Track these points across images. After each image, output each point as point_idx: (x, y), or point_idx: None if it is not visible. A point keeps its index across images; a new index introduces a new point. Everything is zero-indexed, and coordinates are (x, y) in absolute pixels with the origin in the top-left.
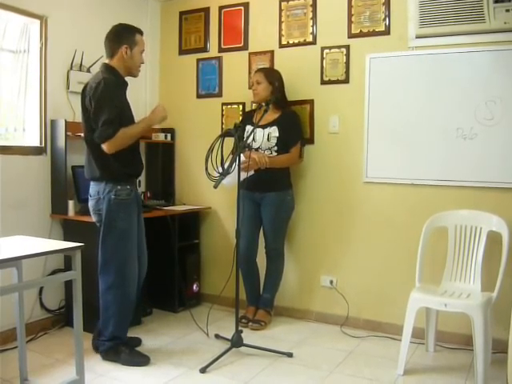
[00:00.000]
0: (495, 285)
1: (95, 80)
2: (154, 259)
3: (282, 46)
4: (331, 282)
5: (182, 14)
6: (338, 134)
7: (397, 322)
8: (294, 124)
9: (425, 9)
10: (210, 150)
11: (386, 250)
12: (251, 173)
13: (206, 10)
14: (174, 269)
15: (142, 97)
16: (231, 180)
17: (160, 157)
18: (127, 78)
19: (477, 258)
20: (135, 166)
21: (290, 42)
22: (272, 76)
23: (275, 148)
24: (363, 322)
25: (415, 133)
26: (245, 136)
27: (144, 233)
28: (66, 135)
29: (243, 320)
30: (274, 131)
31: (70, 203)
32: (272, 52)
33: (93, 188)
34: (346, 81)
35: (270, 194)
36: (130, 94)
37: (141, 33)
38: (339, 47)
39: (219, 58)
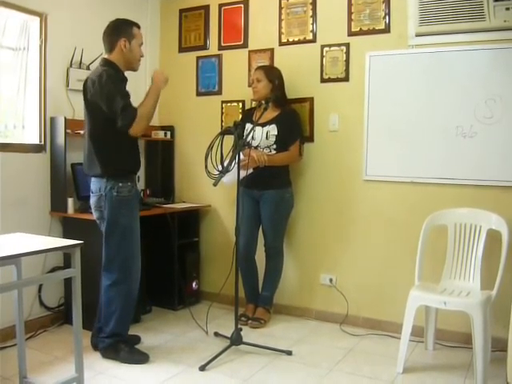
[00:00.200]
0: (495, 283)
1: (96, 73)
2: (153, 257)
3: (281, 43)
4: (331, 280)
5: (181, 11)
6: (338, 132)
7: (396, 320)
8: (293, 122)
9: (425, 7)
10: (210, 147)
11: (386, 248)
12: (250, 171)
13: (206, 8)
14: (173, 267)
15: (141, 94)
16: (231, 178)
17: (160, 154)
18: (127, 74)
19: (476, 256)
20: (135, 162)
21: (290, 39)
22: (272, 74)
23: (274, 146)
24: (363, 320)
25: (415, 131)
26: (244, 134)
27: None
28: (66, 132)
29: (242, 318)
30: (273, 129)
31: (70, 201)
32: (272, 50)
33: (94, 185)
34: (346, 79)
35: (269, 191)
36: (130, 89)
37: (138, 26)
38: (339, 45)
39: (219, 56)
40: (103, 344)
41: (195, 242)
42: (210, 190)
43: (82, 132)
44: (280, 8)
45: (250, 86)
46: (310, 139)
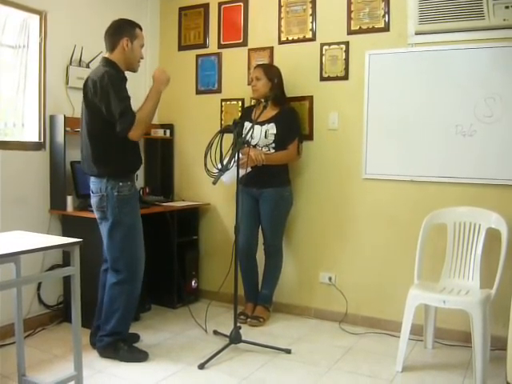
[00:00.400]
0: (494, 282)
1: (97, 74)
2: (152, 255)
3: (281, 42)
4: (330, 278)
5: (181, 9)
6: (338, 131)
7: (395, 319)
8: (292, 121)
9: (424, 6)
10: (209, 146)
11: (385, 247)
12: (248, 170)
13: (206, 6)
14: (172, 265)
15: (141, 93)
16: (230, 177)
17: (159, 153)
18: (126, 74)
19: (476, 255)
20: (136, 161)
21: (290, 38)
22: (271, 72)
23: (273, 145)
24: (362, 318)
25: (414, 129)
26: (243, 132)
27: None
28: (65, 130)
29: (242, 316)
30: (272, 128)
31: (69, 199)
32: (271, 48)
33: (94, 185)
34: (346, 77)
35: (269, 189)
36: (130, 90)
37: (140, 28)
38: (338, 44)
39: (218, 54)
40: (102, 343)
41: (194, 241)
42: (210, 188)
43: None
44: (280, 6)
45: (249, 84)
46: (310, 138)
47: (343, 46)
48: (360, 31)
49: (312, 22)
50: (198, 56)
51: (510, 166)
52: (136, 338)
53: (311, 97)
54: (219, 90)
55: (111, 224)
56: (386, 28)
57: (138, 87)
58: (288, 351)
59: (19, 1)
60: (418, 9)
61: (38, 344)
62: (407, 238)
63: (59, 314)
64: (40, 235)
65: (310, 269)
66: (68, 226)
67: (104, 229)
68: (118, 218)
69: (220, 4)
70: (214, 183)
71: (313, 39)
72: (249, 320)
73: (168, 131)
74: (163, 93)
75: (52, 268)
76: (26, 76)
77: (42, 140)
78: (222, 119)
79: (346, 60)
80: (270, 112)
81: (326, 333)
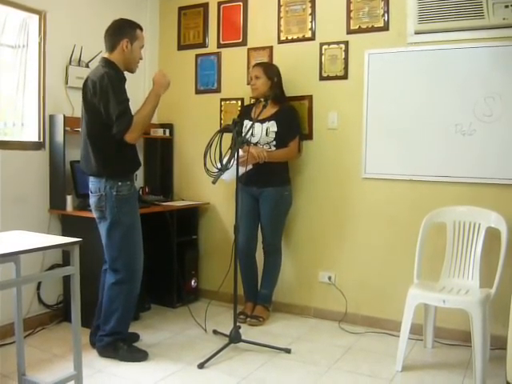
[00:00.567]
0: (494, 281)
1: (96, 74)
2: (152, 255)
3: (280, 41)
4: (329, 277)
5: (180, 9)
6: (337, 130)
7: (395, 318)
8: (293, 118)
9: (424, 5)
10: (209, 145)
11: (385, 246)
12: (249, 167)
13: (205, 6)
14: (172, 264)
15: (140, 92)
16: (231, 175)
17: (158, 152)
18: (125, 74)
19: (475, 255)
20: (134, 162)
21: (289, 37)
22: (271, 71)
23: (274, 143)
24: (361, 318)
25: (414, 129)
26: (243, 131)
27: None
28: (65, 130)
29: (241, 316)
30: (273, 126)
31: (69, 198)
32: (271, 48)
33: (93, 184)
34: (345, 77)
35: (269, 189)
36: (129, 90)
37: (141, 29)
38: (338, 43)
39: (218, 54)
40: (101, 342)
41: (194, 240)
42: (209, 187)
43: (80, 129)
44: (279, 6)
45: (248, 83)
46: (309, 137)
47: (343, 46)
48: (359, 30)
49: (311, 22)
50: (197, 55)
51: (509, 166)
52: (136, 337)
53: (311, 96)
54: (219, 90)
55: (110, 224)
56: (386, 27)
57: (137, 87)
58: (288, 351)
59: (19, 0)
60: (417, 8)
61: (38, 343)
62: (407, 238)
63: (59, 313)
64: (40, 235)
65: (309, 268)
66: (68, 225)
67: (103, 228)
68: (116, 218)
69: (219, 3)
70: (214, 183)
71: (312, 39)
72: (248, 319)
73: (168, 131)
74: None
75: (52, 268)
76: (26, 76)
77: (42, 140)
78: (221, 119)
79: (346, 59)
80: (270, 110)
81: (325, 332)
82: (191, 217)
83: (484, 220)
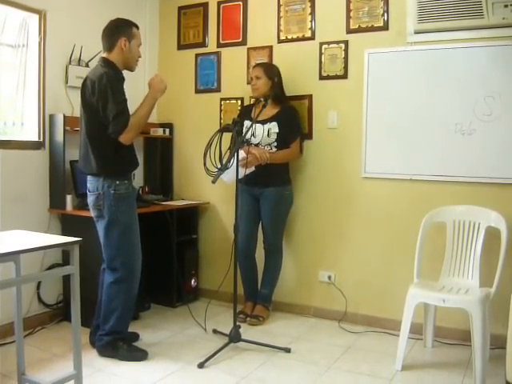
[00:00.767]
0: (493, 280)
1: (95, 74)
2: (152, 254)
3: (280, 41)
4: (329, 277)
5: (180, 8)
6: (337, 130)
7: (395, 318)
8: (294, 119)
9: (423, 4)
10: (209, 145)
11: (385, 246)
12: (251, 169)
13: (205, 5)
14: (172, 264)
15: (140, 92)
16: (231, 176)
17: (158, 152)
18: (124, 73)
19: (475, 254)
20: (132, 161)
21: (289, 37)
22: (271, 71)
23: (275, 144)
24: (361, 317)
25: (414, 128)
26: (243, 131)
27: None
28: (65, 130)
29: (241, 315)
30: (274, 127)
31: (68, 198)
32: (271, 47)
33: (91, 183)
34: (345, 76)
35: (269, 189)
36: (129, 89)
37: (137, 27)
38: (338, 42)
39: (218, 53)
40: (101, 342)
41: (194, 240)
42: (209, 187)
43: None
44: (279, 5)
45: (248, 83)
46: (309, 136)
47: (342, 45)
48: (359, 30)
49: (311, 21)
50: (197, 55)
51: (509, 165)
52: (135, 336)
53: (310, 96)
54: (218, 89)
55: (107, 222)
56: (385, 27)
57: (136, 86)
58: (287, 350)
59: (19, 0)
60: (417, 7)
61: (38, 343)
62: (407, 237)
63: (59, 312)
64: (39, 234)
65: (309, 267)
66: (67, 224)
67: (100, 227)
68: (114, 217)
69: (219, 3)
70: (214, 182)
71: (312, 38)
72: (248, 319)
73: (167, 130)
74: None
75: (51, 267)
76: (26, 75)
77: (42, 139)
78: (221, 118)
79: (346, 59)
80: (271, 111)
81: (325, 332)
82: (191, 216)
83: (484, 219)
